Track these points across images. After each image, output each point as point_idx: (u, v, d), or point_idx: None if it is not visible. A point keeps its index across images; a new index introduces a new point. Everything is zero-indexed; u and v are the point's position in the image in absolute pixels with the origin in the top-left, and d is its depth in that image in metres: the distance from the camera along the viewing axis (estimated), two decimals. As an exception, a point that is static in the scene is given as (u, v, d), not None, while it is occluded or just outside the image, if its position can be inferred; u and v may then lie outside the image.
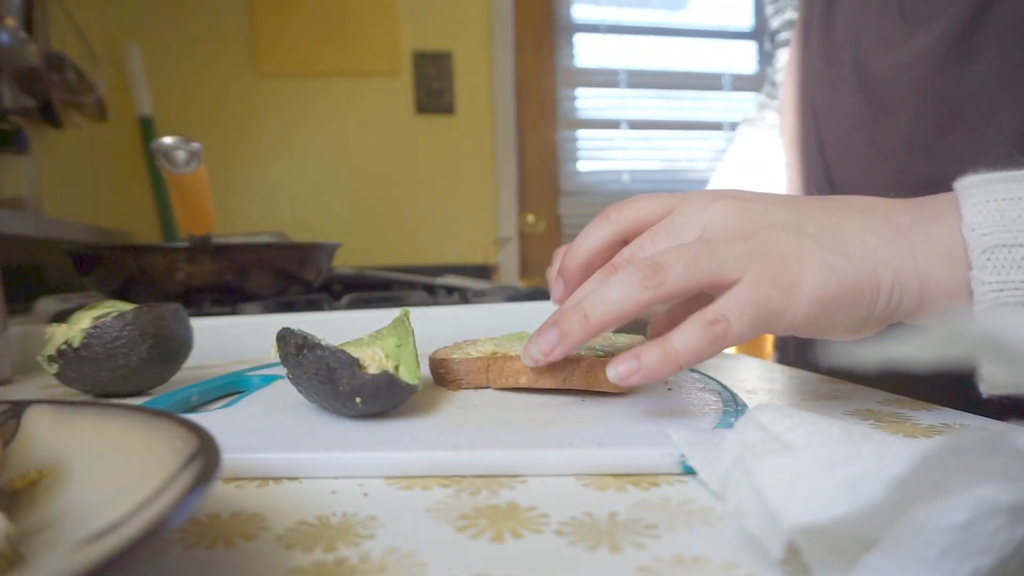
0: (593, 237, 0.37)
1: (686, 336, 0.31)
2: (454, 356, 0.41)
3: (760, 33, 2.33)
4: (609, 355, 0.38)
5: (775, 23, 0.82)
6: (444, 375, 0.41)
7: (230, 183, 1.94)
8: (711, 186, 0.79)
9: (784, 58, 0.75)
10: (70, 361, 0.41)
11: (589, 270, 0.37)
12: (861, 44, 0.54)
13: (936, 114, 0.47)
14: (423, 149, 2.11)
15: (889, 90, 0.51)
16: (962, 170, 0.45)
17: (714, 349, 0.31)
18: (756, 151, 0.77)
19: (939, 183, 0.46)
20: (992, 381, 0.30)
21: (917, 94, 0.48)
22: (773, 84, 0.80)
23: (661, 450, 0.28)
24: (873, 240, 0.32)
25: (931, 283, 0.32)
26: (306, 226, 1.91)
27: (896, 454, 0.17)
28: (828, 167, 0.58)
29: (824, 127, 0.59)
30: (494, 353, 0.40)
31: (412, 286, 0.93)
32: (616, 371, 0.31)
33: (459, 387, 0.41)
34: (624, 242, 0.37)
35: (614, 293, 0.32)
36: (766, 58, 2.27)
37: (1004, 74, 0.43)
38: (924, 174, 0.47)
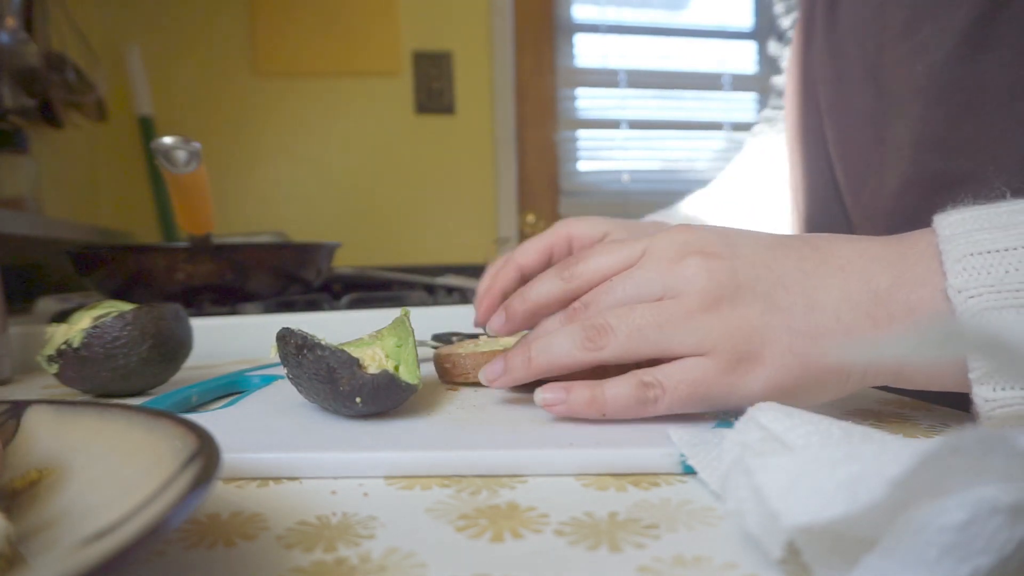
0: (543, 291, 0.37)
1: (618, 389, 0.31)
2: (460, 351, 0.41)
3: (760, 33, 2.33)
4: None
5: (787, 23, 0.80)
6: (450, 369, 0.41)
7: (230, 183, 1.94)
8: (715, 184, 0.77)
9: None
10: (70, 361, 0.41)
11: (535, 318, 0.37)
12: (868, 35, 0.52)
13: (949, 105, 0.45)
14: (423, 149, 2.11)
15: (900, 82, 0.49)
16: (975, 166, 0.44)
17: (641, 411, 0.31)
18: (766, 155, 0.75)
19: (951, 180, 0.46)
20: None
21: (930, 84, 0.46)
22: (779, 95, 0.77)
23: (661, 450, 0.28)
24: (848, 315, 0.30)
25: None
26: (306, 226, 1.91)
27: (896, 454, 0.17)
28: (833, 165, 0.57)
29: (829, 123, 0.57)
30: (504, 348, 0.41)
31: (412, 286, 0.93)
32: (543, 396, 0.32)
33: (466, 380, 0.41)
34: (575, 298, 0.36)
35: (556, 346, 0.33)
36: (768, 60, 2.26)
37: None
38: (936, 170, 0.46)
